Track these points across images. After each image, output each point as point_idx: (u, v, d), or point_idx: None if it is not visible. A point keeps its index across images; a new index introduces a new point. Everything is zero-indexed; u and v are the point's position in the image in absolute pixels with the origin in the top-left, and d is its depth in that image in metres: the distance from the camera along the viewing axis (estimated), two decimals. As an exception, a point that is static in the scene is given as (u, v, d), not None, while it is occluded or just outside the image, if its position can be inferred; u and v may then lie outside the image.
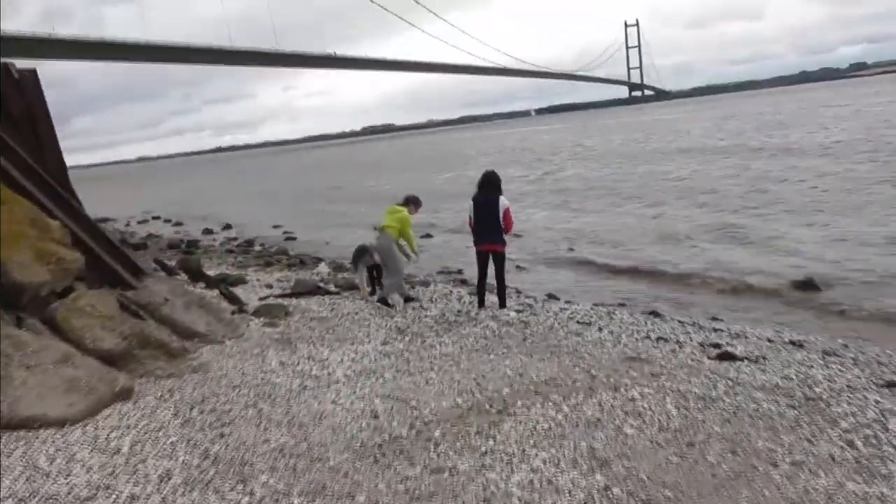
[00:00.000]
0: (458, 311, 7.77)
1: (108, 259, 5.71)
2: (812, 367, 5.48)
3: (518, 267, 11.45)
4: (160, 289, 5.93)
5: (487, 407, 4.56)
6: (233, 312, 7.52)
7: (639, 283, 9.95)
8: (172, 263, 13.09)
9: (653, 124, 70.35)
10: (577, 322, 7.16)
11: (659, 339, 6.44)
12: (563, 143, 54.17)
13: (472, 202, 7.48)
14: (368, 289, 9.05)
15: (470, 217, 7.50)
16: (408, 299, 8.43)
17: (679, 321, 7.33)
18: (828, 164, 21.30)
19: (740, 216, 14.13)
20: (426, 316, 7.56)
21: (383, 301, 8.14)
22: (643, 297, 9.17)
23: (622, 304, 8.48)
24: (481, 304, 7.68)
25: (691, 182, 20.79)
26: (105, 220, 27.90)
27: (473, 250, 7.72)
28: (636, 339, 6.42)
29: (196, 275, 10.20)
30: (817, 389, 4.87)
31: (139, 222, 25.94)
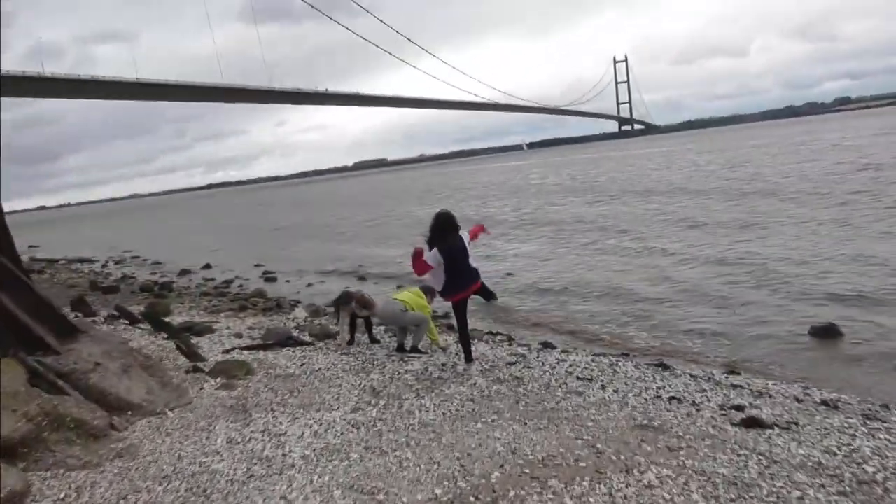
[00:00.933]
0: (443, 365, 6.92)
1: (24, 318, 4.86)
2: (855, 435, 4.65)
3: (506, 309, 10.63)
4: (92, 351, 5.07)
5: (472, 501, 3.71)
6: (187, 371, 6.65)
7: (640, 328, 9.13)
8: (142, 308, 12.27)
9: (653, 156, 70.33)
10: (577, 377, 6.32)
11: (671, 398, 5.61)
12: (558, 177, 53.73)
13: (438, 255, 6.42)
14: (348, 337, 8.23)
15: (431, 265, 6.46)
16: (400, 349, 7.63)
17: (691, 375, 6.50)
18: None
19: (739, 251, 13.37)
20: (407, 371, 6.71)
21: (414, 350, 7.45)
22: (647, 344, 8.35)
23: (625, 355, 7.64)
24: (469, 357, 6.83)
25: (682, 215, 20.11)
26: (83, 260, 27.08)
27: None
28: (645, 399, 5.59)
29: (158, 324, 9.33)
30: (868, 469, 4.06)
31: (116, 262, 25.01)
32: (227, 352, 7.96)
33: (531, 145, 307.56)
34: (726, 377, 6.56)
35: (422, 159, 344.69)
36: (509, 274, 13.84)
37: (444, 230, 6.53)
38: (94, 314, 11.58)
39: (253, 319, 10.71)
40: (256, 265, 19.24)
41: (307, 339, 8.59)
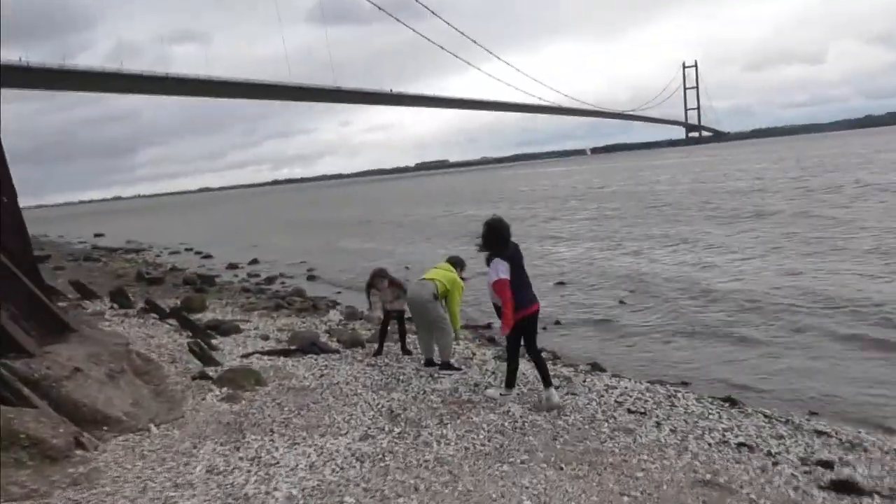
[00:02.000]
0: (476, 385, 6.14)
1: (-4, 315, 4.34)
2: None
3: (557, 322, 9.72)
4: (75, 354, 4.52)
5: (482, 578, 2.93)
6: (194, 377, 6.08)
7: (706, 347, 8.11)
8: (178, 302, 11.94)
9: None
10: (628, 410, 5.43)
11: (741, 445, 4.67)
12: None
13: (505, 263, 5.43)
14: (375, 346, 7.56)
15: (503, 281, 5.42)
16: (429, 364, 6.88)
17: (765, 415, 5.50)
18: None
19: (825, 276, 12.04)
20: (433, 391, 5.96)
21: (447, 366, 6.62)
22: (712, 369, 7.33)
23: (685, 384, 6.67)
24: (511, 384, 5.88)
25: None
26: (139, 250, 27.48)
27: None
28: (709, 444, 4.67)
29: (184, 322, 8.88)
30: None
31: (171, 253, 25.20)
32: (247, 356, 7.40)
33: (595, 150, 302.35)
34: (808, 419, 5.54)
35: (483, 161, 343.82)
36: (560, 283, 12.91)
37: (502, 241, 5.54)
38: (130, 306, 11.32)
39: (285, 320, 10.17)
40: (301, 262, 18.90)
41: (334, 345, 7.94)
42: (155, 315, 10.10)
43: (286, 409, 5.32)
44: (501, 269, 5.40)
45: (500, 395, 5.74)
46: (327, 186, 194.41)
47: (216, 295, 13.48)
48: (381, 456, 4.32)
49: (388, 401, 5.62)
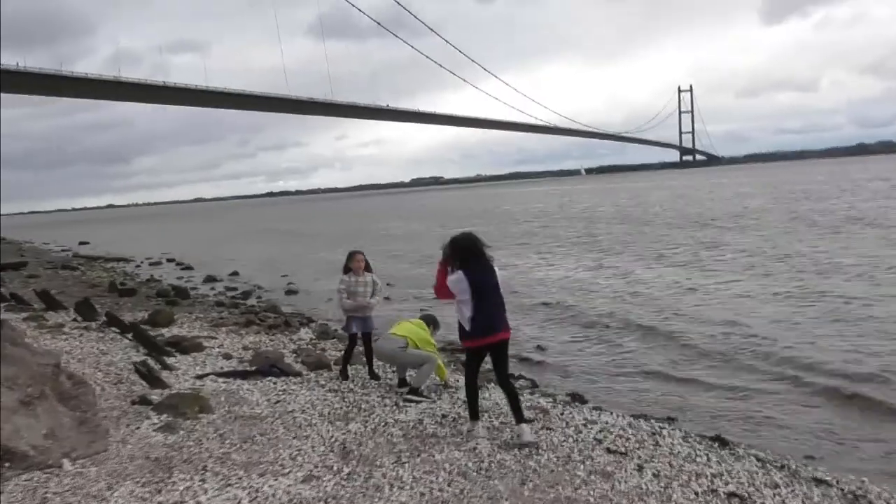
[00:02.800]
0: (443, 417, 5.62)
1: None
2: None
3: (538, 347, 9.19)
4: (-17, 376, 3.99)
5: None
6: (133, 402, 5.55)
7: (696, 377, 7.61)
8: (145, 315, 11.38)
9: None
10: (608, 450, 4.92)
11: (731, 496, 4.16)
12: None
13: (464, 280, 4.95)
14: (339, 368, 7.07)
15: (453, 292, 5.03)
16: (402, 384, 6.47)
17: (758, 459, 5.00)
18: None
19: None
20: (396, 422, 5.43)
21: (415, 392, 6.16)
22: (702, 402, 6.83)
23: (672, 419, 6.14)
24: (475, 416, 5.35)
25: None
26: (121, 259, 26.89)
27: None
28: (696, 493, 4.16)
29: (141, 338, 8.34)
30: None
31: (152, 264, 24.61)
32: (201, 377, 6.87)
33: (589, 171, 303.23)
34: (805, 465, 5.04)
35: (478, 179, 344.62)
36: (546, 304, 12.41)
37: (465, 257, 5.05)
38: (94, 318, 10.78)
39: (253, 337, 9.63)
40: (283, 275, 18.36)
41: (296, 368, 7.41)
42: (116, 329, 9.56)
43: (228, 441, 4.78)
44: (452, 278, 5.03)
45: (467, 430, 5.22)
46: (322, 199, 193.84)
47: (188, 308, 12.93)
48: (322, 502, 3.79)
49: (343, 433, 5.09)
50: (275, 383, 6.72)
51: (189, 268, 22.27)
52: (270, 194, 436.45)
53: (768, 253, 17.45)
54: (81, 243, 39.72)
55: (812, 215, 27.87)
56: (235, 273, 19.42)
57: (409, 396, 6.12)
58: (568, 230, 29.93)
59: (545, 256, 20.37)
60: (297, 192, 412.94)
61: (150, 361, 6.76)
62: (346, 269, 6.83)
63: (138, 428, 4.94)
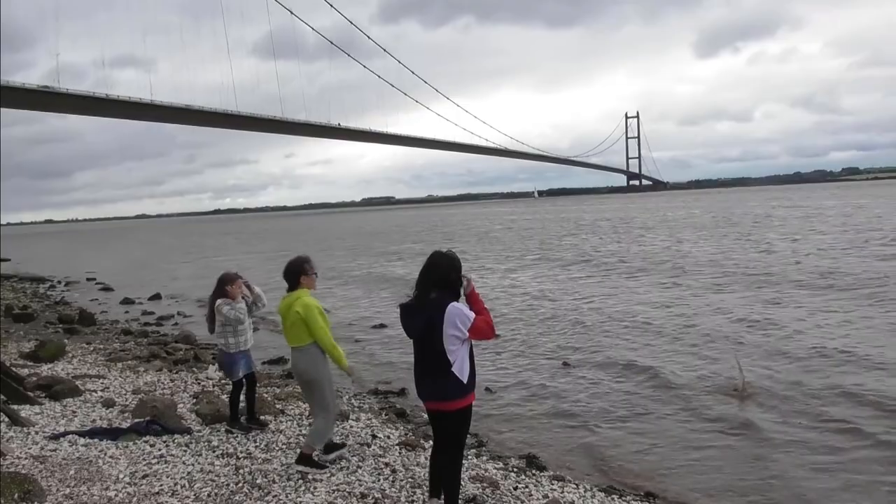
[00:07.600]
0: (364, 497, 4.31)
1: None
2: None
3: (487, 389, 7.81)
4: None
5: None
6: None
7: (677, 433, 6.33)
8: (31, 347, 9.71)
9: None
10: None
11: None
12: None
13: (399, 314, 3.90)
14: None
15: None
16: (331, 448, 5.03)
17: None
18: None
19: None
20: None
21: (305, 461, 4.73)
22: (688, 466, 5.58)
23: (652, 496, 4.90)
24: (435, 493, 4.06)
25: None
26: (35, 279, 24.64)
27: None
28: None
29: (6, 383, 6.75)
30: None
31: (67, 284, 22.51)
32: (57, 437, 5.39)
33: (541, 193, 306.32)
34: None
35: (430, 200, 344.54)
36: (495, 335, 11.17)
37: (423, 282, 3.83)
38: (-33, 351, 9.08)
39: (152, 376, 8.13)
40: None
41: (186, 422, 5.98)
42: (-20, 366, 7.93)
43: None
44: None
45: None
46: (272, 217, 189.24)
47: (88, 337, 11.30)
48: None
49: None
50: (154, 444, 5.30)
51: (109, 289, 20.32)
52: (217, 211, 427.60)
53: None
54: (2, 260, 36.83)
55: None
56: (157, 296, 17.63)
57: (300, 468, 4.72)
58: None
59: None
60: (245, 210, 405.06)
61: (-12, 418, 5.26)
62: (224, 293, 5.55)
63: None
